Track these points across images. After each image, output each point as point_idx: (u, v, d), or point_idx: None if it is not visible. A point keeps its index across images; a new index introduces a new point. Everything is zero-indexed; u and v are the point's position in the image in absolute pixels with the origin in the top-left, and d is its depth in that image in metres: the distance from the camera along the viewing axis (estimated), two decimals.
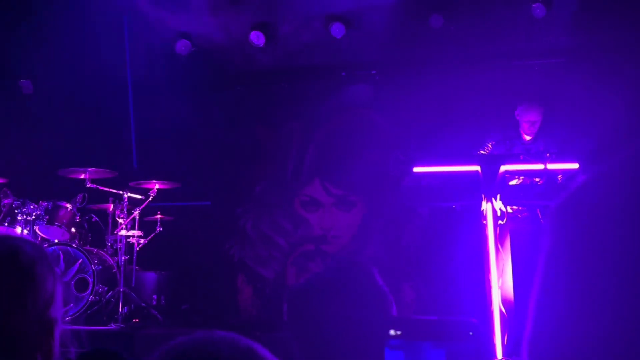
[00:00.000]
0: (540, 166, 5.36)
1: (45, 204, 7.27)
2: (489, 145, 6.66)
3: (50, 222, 7.25)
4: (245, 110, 8.94)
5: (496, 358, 4.93)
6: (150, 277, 7.82)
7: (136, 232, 7.47)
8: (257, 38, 8.10)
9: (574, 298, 0.86)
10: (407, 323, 1.12)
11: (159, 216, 7.71)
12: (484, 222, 5.25)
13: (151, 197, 7.48)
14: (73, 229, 7.42)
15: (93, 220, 7.70)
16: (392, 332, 1.10)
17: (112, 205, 7.57)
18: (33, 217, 7.19)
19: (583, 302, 0.85)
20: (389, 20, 7.75)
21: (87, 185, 7.37)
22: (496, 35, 7.70)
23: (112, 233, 7.56)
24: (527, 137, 6.64)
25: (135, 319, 7.04)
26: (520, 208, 6.53)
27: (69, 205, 7.36)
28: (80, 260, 7.04)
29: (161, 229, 7.69)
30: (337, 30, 7.87)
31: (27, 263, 1.56)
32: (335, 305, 1.65)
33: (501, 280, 5.24)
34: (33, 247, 1.62)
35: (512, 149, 6.60)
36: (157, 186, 7.54)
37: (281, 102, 8.90)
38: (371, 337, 1.63)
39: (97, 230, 7.77)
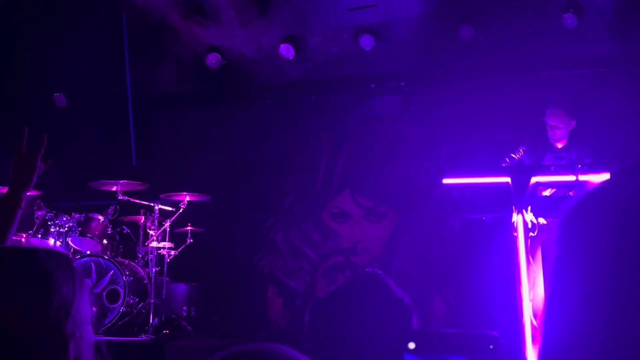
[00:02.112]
0: (571, 177, 5.28)
1: (77, 215, 7.36)
2: (521, 151, 6.61)
3: (83, 233, 7.34)
4: (275, 122, 8.98)
5: None
6: (181, 288, 7.86)
7: (167, 244, 7.52)
8: (286, 51, 8.15)
9: (582, 307, 0.85)
10: (427, 336, 1.11)
11: (189, 228, 7.76)
12: (515, 234, 5.19)
13: (182, 209, 7.53)
14: (105, 241, 7.50)
15: (124, 232, 7.77)
16: (411, 345, 1.09)
17: (143, 217, 7.63)
18: (66, 228, 7.29)
19: (592, 311, 0.84)
20: (418, 31, 7.75)
21: (119, 197, 7.44)
22: (527, 46, 7.64)
23: (143, 245, 7.62)
24: (559, 145, 6.57)
25: (165, 330, 7.08)
26: (552, 220, 6.45)
27: (101, 217, 7.44)
28: (112, 271, 7.11)
29: (192, 240, 7.74)
30: (366, 42, 7.88)
31: (41, 271, 1.50)
32: (353, 318, 1.65)
33: (532, 292, 5.17)
34: (51, 255, 1.56)
35: (544, 157, 6.53)
36: (187, 198, 7.58)
37: (311, 113, 8.91)
38: (390, 348, 1.62)
39: (128, 241, 7.84)
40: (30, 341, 1.45)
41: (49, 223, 7.22)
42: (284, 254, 8.68)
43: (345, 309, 1.67)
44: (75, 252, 7.38)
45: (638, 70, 7.43)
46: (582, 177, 5.24)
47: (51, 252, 1.60)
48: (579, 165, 5.45)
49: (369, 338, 1.63)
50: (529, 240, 5.22)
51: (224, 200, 8.66)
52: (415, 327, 1.69)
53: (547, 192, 6.11)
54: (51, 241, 7.15)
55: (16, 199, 2.36)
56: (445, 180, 5.64)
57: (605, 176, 5.23)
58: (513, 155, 6.56)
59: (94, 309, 6.91)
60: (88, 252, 7.27)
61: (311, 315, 1.73)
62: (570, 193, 5.94)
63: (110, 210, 7.49)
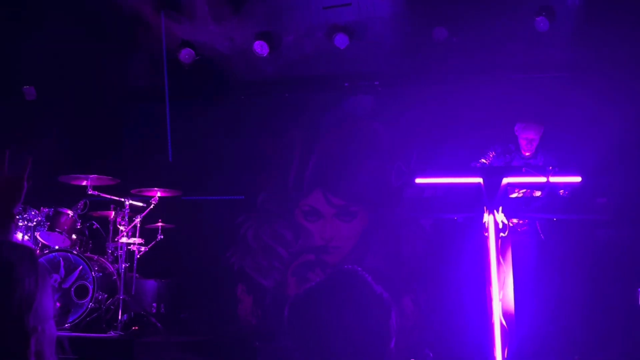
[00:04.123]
0: (542, 179, 5.33)
1: (46, 210, 7.26)
2: (491, 155, 6.68)
3: (51, 228, 7.24)
4: (248, 119, 8.95)
5: None
6: (150, 285, 7.80)
7: (137, 240, 7.46)
8: (260, 48, 8.11)
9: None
10: None
11: (160, 224, 7.71)
12: (486, 234, 5.22)
13: (153, 205, 7.47)
14: (74, 236, 7.41)
15: (94, 227, 7.69)
16: None
17: (113, 213, 7.56)
18: (34, 223, 7.19)
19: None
20: (393, 31, 7.77)
21: (89, 192, 7.36)
22: (499, 48, 7.71)
23: (113, 240, 7.55)
24: (527, 153, 6.67)
25: (134, 326, 7.02)
26: (520, 221, 6.52)
27: (70, 212, 7.35)
28: (81, 267, 7.04)
29: (162, 236, 7.69)
30: (341, 40, 7.88)
31: (3, 264, 1.48)
32: (333, 313, 1.66)
33: (502, 292, 5.21)
34: (14, 248, 1.54)
35: (512, 163, 6.61)
36: (158, 194, 7.53)
37: (284, 111, 8.91)
38: (371, 343, 1.63)
39: (98, 237, 7.76)
40: None
41: (17, 217, 7.11)
42: (254, 251, 8.66)
43: (325, 304, 1.68)
44: (44, 246, 7.29)
45: (606, 73, 7.53)
46: (552, 179, 5.30)
47: (14, 244, 1.58)
48: (550, 167, 5.51)
49: (350, 333, 1.64)
50: (500, 240, 5.25)
51: (196, 197, 8.62)
52: (394, 323, 1.71)
53: (514, 195, 6.17)
54: (19, 235, 7.05)
55: (7, 214, 2.38)
56: (418, 180, 5.66)
57: (575, 178, 5.30)
58: (483, 160, 6.63)
59: (58, 304, 6.83)
60: (56, 247, 7.17)
61: (291, 311, 1.73)
62: (536, 193, 6.00)
63: (80, 205, 7.41)
